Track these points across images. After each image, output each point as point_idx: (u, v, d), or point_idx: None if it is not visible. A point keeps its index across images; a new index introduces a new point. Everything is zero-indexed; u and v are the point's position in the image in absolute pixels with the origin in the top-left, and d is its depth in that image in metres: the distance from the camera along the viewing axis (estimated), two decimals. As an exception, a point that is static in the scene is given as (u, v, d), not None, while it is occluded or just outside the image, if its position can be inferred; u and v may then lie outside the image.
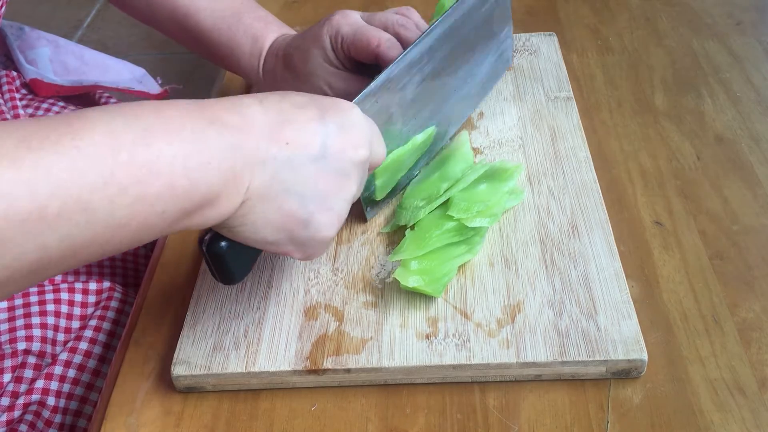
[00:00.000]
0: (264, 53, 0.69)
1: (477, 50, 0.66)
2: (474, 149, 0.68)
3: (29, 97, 0.83)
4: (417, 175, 0.65)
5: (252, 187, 0.43)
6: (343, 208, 0.48)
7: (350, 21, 0.63)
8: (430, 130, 0.63)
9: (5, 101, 0.79)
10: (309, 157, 0.45)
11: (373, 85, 0.55)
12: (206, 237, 0.47)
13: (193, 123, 0.41)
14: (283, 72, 0.67)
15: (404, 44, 0.61)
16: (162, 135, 0.39)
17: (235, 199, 0.43)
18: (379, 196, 0.61)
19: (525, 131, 0.70)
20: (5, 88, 0.81)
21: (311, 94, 0.49)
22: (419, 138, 0.61)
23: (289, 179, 0.45)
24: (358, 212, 0.64)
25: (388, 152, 0.57)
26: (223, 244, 0.47)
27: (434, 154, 0.67)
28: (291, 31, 0.70)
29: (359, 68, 0.64)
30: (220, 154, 0.41)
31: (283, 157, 0.44)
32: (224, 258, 0.47)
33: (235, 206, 0.43)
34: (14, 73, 0.83)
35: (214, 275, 0.49)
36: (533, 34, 0.81)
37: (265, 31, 0.69)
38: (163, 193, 0.39)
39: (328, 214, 0.47)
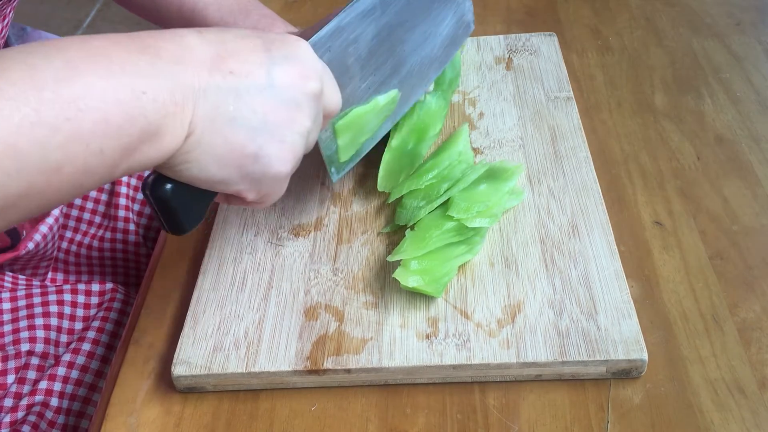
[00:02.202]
0: None
1: (434, 8, 0.65)
2: (474, 149, 0.68)
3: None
4: (389, 140, 0.65)
5: (196, 119, 0.41)
6: (297, 142, 0.45)
7: None
8: (393, 93, 0.62)
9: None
10: (255, 86, 0.43)
11: (323, 31, 0.53)
12: (149, 180, 0.44)
13: (122, 53, 0.38)
14: None
15: None
16: (88, 67, 0.37)
17: (179, 133, 0.40)
18: (342, 157, 0.59)
19: (525, 131, 0.70)
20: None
21: (255, 30, 0.46)
22: (382, 100, 0.60)
23: (235, 109, 0.42)
24: (360, 216, 0.64)
25: (350, 109, 0.57)
26: (168, 186, 0.44)
27: (399, 120, 0.66)
28: (295, 30, 0.71)
29: None
30: (156, 84, 0.39)
31: (227, 86, 0.41)
32: (171, 202, 0.44)
33: (179, 141, 0.41)
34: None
35: (162, 225, 0.46)
36: (533, 34, 0.81)
37: (272, 27, 0.69)
38: (96, 129, 0.36)
39: (280, 146, 0.44)
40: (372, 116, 0.60)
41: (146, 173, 0.75)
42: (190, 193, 0.45)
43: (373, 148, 0.63)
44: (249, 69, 0.43)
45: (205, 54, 0.42)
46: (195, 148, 0.42)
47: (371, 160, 0.67)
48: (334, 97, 0.49)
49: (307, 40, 0.51)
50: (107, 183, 0.40)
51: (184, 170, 0.43)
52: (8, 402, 0.64)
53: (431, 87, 0.71)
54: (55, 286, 0.70)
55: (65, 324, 0.69)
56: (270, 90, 0.43)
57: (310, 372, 0.53)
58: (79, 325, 0.69)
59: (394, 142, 0.66)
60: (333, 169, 0.60)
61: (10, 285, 0.70)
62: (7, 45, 0.86)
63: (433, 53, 0.66)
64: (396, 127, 0.67)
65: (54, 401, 0.64)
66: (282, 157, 0.45)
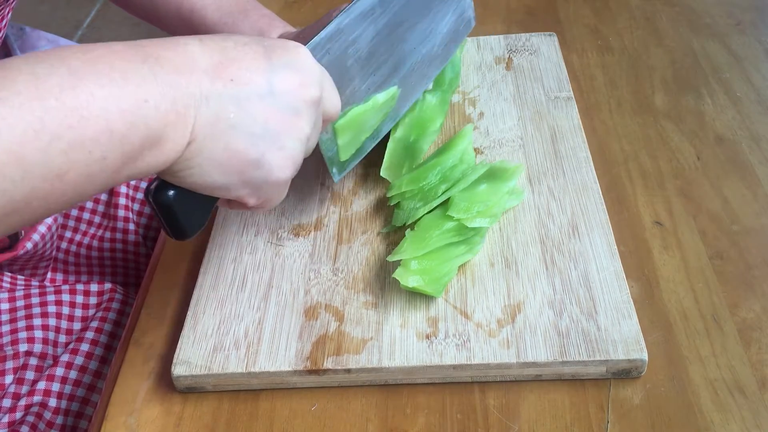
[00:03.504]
0: None
1: (434, 6, 0.65)
2: (474, 149, 0.68)
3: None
4: (393, 131, 0.65)
5: (197, 127, 0.41)
6: (297, 149, 0.46)
7: None
8: (392, 90, 0.62)
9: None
10: (256, 94, 0.43)
11: (322, 33, 0.53)
12: (152, 186, 0.45)
13: (124, 61, 0.39)
14: None
15: None
16: (91, 76, 0.37)
17: (180, 140, 0.41)
18: (343, 157, 0.60)
19: (525, 131, 0.70)
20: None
21: (256, 36, 0.47)
22: (381, 98, 0.60)
23: (236, 116, 0.42)
24: (360, 216, 0.64)
25: (349, 109, 0.57)
26: (171, 192, 0.44)
27: (400, 118, 0.66)
28: (294, 30, 0.71)
29: None
30: (157, 92, 0.39)
31: (228, 93, 0.42)
32: (173, 208, 0.45)
33: (181, 148, 0.41)
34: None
35: (165, 230, 0.47)
36: (533, 34, 0.81)
37: (270, 27, 0.69)
38: (99, 137, 0.37)
39: (280, 153, 0.45)
40: (371, 114, 0.60)
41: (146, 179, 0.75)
42: (192, 199, 0.45)
43: (373, 149, 0.63)
44: (250, 77, 0.43)
45: (207, 62, 0.42)
46: (197, 155, 0.42)
47: (371, 161, 0.67)
48: (333, 101, 0.50)
49: (306, 40, 0.51)
50: (109, 188, 0.40)
51: (186, 176, 0.43)
52: (6, 402, 0.64)
53: (430, 86, 0.71)
54: (54, 286, 0.70)
55: (64, 324, 0.69)
56: (270, 97, 0.44)
57: (310, 372, 0.53)
58: (77, 326, 0.69)
59: (397, 133, 0.66)
60: (335, 169, 0.60)
61: (8, 285, 0.70)
62: (5, 45, 0.86)
63: (434, 51, 0.66)
64: (398, 120, 0.67)
65: (52, 402, 0.64)
66: (282, 163, 0.45)
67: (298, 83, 0.45)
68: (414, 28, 0.63)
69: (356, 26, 0.57)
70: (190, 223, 0.46)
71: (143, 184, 0.80)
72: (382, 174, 0.64)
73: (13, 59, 0.37)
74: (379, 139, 0.63)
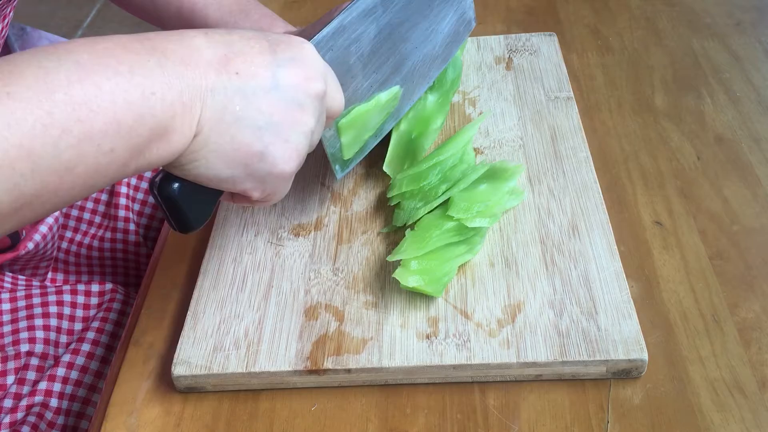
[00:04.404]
0: None
1: (435, 6, 0.65)
2: (474, 149, 0.68)
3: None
4: (396, 127, 0.66)
5: (203, 119, 0.42)
6: (301, 142, 0.46)
7: None
8: (395, 90, 0.62)
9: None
10: (261, 87, 0.44)
11: (325, 30, 0.54)
12: (157, 179, 0.45)
13: (130, 54, 0.39)
14: None
15: None
16: (98, 69, 0.38)
17: (187, 132, 0.41)
18: (346, 155, 0.60)
19: (525, 131, 0.70)
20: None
21: (261, 31, 0.47)
22: (384, 97, 0.61)
23: (242, 109, 0.43)
24: (360, 216, 0.64)
25: (352, 108, 0.58)
26: (176, 185, 0.45)
27: (402, 117, 0.66)
28: (294, 30, 0.71)
29: None
30: (164, 85, 0.39)
31: (234, 86, 0.43)
32: (178, 201, 0.45)
33: (187, 140, 0.41)
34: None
35: (170, 223, 0.47)
36: (533, 34, 0.81)
37: (271, 27, 0.69)
38: (108, 129, 0.37)
39: (285, 146, 0.45)
40: (374, 113, 0.60)
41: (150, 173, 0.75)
42: (197, 192, 0.46)
43: (374, 148, 0.63)
44: (255, 70, 0.43)
45: (212, 55, 0.42)
46: (202, 147, 0.42)
47: (372, 160, 0.67)
48: (337, 97, 0.50)
49: (308, 38, 0.52)
50: (117, 181, 0.41)
51: (192, 169, 0.43)
52: (8, 403, 0.64)
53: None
54: (55, 286, 0.70)
55: (65, 324, 0.69)
56: (275, 91, 0.44)
57: (310, 372, 0.53)
58: (78, 326, 0.69)
59: (402, 127, 0.67)
60: (337, 167, 0.60)
61: (9, 285, 0.70)
62: (6, 45, 0.87)
63: (435, 51, 0.67)
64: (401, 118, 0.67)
65: (53, 402, 0.64)
66: (286, 156, 0.46)
67: (303, 77, 0.46)
68: (415, 27, 0.63)
69: (359, 24, 0.57)
70: (194, 216, 0.47)
71: (144, 185, 0.80)
72: (384, 168, 0.65)
73: (20, 53, 0.37)
74: (381, 138, 0.64)
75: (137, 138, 0.39)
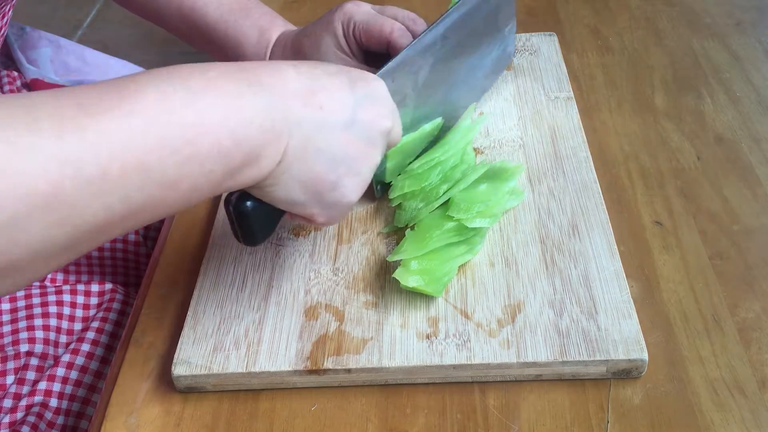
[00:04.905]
0: (271, 45, 0.70)
1: (484, 42, 0.69)
2: (474, 149, 0.68)
3: (30, 97, 0.83)
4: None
5: (289, 148, 0.44)
6: (368, 175, 0.50)
7: (363, 9, 0.65)
8: (438, 122, 0.65)
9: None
10: (340, 122, 0.46)
11: (392, 63, 0.58)
12: (233, 197, 0.48)
13: (233, 84, 0.42)
14: (292, 59, 0.67)
15: (413, 37, 0.63)
16: (207, 96, 0.41)
17: (275, 158, 0.44)
18: (388, 179, 0.63)
19: (525, 131, 0.70)
20: (6, 88, 0.81)
21: (340, 65, 0.50)
22: (428, 127, 0.64)
23: (322, 141, 0.46)
24: (360, 216, 0.64)
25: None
26: (249, 204, 0.48)
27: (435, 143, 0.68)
28: (294, 29, 0.71)
29: (367, 59, 0.66)
30: (260, 114, 0.42)
31: (317, 119, 0.45)
32: (250, 218, 0.48)
33: (273, 166, 0.44)
34: (15, 73, 0.83)
35: (237, 236, 0.50)
36: (533, 34, 0.81)
37: (271, 25, 0.69)
38: (211, 152, 0.40)
39: (355, 179, 0.48)
40: (419, 142, 0.63)
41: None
42: (266, 211, 0.49)
43: None
44: (336, 106, 0.46)
45: (299, 87, 0.45)
46: (283, 173, 0.45)
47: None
48: (398, 131, 0.53)
49: (307, 36, 0.52)
50: (207, 199, 0.45)
51: (271, 192, 0.46)
52: (7, 403, 0.64)
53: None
54: (55, 286, 0.70)
55: (64, 324, 0.69)
56: (352, 126, 0.47)
57: (311, 372, 0.53)
58: (78, 326, 0.69)
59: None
60: (378, 188, 0.64)
61: (9, 285, 0.70)
62: (6, 44, 0.87)
63: (476, 82, 0.70)
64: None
65: (53, 402, 0.64)
66: (355, 187, 0.49)
67: (376, 114, 0.49)
68: (464, 62, 0.66)
69: (420, 57, 0.61)
70: (260, 232, 0.50)
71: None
72: (387, 179, 0.64)
73: (141, 75, 0.40)
74: (413, 159, 0.66)
75: (233, 162, 0.42)
